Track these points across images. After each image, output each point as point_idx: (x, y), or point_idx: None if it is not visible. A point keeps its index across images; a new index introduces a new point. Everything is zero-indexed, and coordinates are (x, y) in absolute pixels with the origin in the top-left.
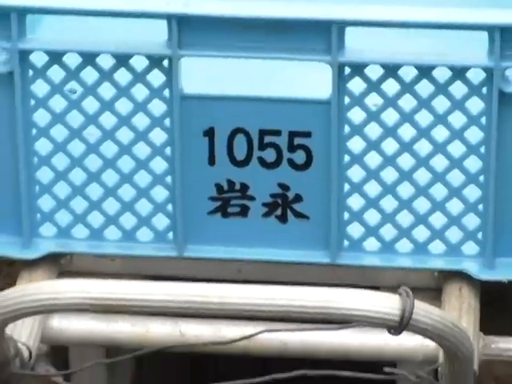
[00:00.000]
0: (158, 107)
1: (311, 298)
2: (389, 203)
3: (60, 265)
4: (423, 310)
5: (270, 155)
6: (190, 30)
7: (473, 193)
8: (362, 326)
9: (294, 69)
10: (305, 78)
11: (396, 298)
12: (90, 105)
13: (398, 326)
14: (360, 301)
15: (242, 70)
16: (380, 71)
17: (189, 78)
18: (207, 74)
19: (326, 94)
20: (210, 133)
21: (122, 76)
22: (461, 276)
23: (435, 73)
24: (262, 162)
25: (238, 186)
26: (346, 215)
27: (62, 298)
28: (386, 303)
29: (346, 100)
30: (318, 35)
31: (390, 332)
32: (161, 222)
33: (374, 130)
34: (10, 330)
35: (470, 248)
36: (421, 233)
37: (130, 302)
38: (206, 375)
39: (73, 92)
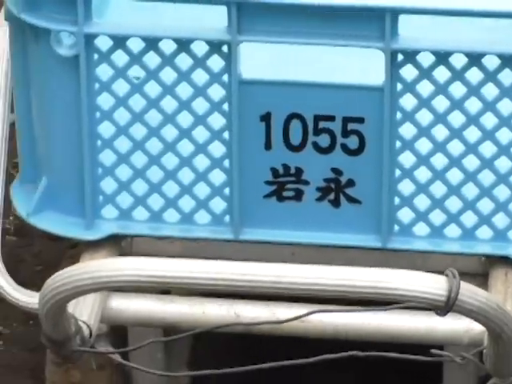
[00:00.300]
0: (217, 92)
1: (360, 277)
2: (438, 189)
3: (121, 247)
4: (469, 291)
5: (324, 140)
6: (248, 16)
7: None
8: (410, 306)
9: (344, 55)
10: (355, 65)
11: (443, 279)
12: (152, 89)
13: (445, 307)
14: (408, 281)
15: (296, 55)
16: (431, 58)
17: (246, 62)
18: (264, 59)
19: (379, 80)
20: (266, 118)
21: (183, 61)
22: (507, 261)
23: (485, 60)
24: (317, 146)
25: (293, 171)
26: (397, 200)
27: (122, 274)
28: (433, 284)
29: (399, 87)
30: (371, 22)
31: (436, 313)
32: (218, 205)
33: (424, 117)
34: (71, 308)
35: None
36: (469, 218)
37: (187, 280)
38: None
39: (137, 79)
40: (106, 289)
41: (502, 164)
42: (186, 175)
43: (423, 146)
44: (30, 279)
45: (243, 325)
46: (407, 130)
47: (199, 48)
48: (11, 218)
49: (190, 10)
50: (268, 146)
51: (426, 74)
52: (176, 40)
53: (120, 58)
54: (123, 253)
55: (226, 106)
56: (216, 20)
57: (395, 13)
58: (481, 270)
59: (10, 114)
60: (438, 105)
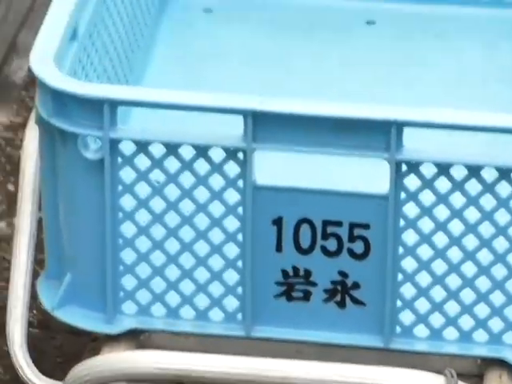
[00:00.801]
0: (232, 196)
1: (363, 375)
2: (438, 293)
3: (139, 340)
4: None
5: (331, 244)
6: (263, 126)
7: None
8: None
9: (350, 161)
10: (363, 172)
11: (441, 378)
12: (171, 192)
13: None
14: (408, 380)
15: (308, 162)
16: (433, 169)
17: (260, 168)
18: (277, 166)
19: (383, 188)
20: (278, 222)
21: (201, 166)
22: (501, 364)
23: (483, 172)
24: (325, 250)
25: (302, 273)
26: (399, 303)
27: (140, 367)
28: (432, 382)
29: (402, 195)
30: (378, 134)
31: None
32: (231, 303)
33: (426, 224)
34: None
35: (511, 337)
36: (466, 322)
37: (201, 374)
38: None
39: (157, 182)
40: (124, 380)
41: (498, 271)
42: (202, 274)
43: (424, 252)
44: (51, 371)
45: None
46: (409, 237)
47: (216, 154)
48: (34, 311)
49: (207, 117)
50: (279, 248)
51: (428, 183)
52: (195, 146)
53: (142, 161)
54: (141, 346)
55: (240, 210)
56: (232, 126)
57: (400, 126)
58: (476, 371)
59: (37, 211)
60: (438, 213)
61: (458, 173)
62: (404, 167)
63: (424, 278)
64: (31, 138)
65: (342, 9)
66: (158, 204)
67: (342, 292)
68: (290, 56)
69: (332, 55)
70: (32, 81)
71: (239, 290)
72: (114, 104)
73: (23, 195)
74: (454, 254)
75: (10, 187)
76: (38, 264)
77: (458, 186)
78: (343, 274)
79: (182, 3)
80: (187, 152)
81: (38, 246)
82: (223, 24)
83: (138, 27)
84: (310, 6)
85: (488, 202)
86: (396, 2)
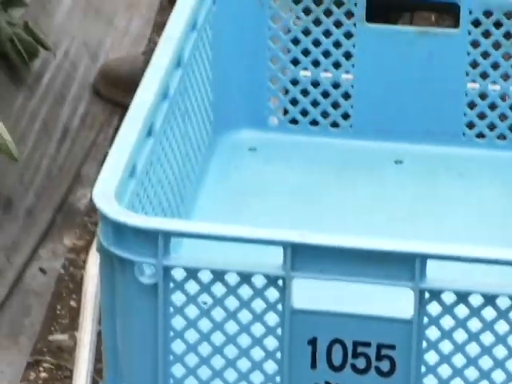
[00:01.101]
0: (272, 318)
1: None
2: None
3: None
4: None
5: (361, 363)
6: (301, 257)
7: None
8: None
9: (381, 288)
10: (390, 296)
11: None
12: (217, 313)
13: None
14: None
15: (341, 287)
16: (453, 297)
17: (298, 290)
18: (313, 289)
19: (408, 313)
20: (313, 342)
21: (244, 291)
22: None
23: (498, 300)
24: (355, 368)
25: None
26: None
27: None
28: None
29: (425, 320)
30: (403, 266)
31: None
32: None
33: (446, 346)
34: None
35: None
36: None
37: None
38: None
39: (204, 303)
40: None
41: None
42: None
43: (444, 370)
44: None
45: None
46: (431, 357)
47: (258, 280)
48: None
49: (249, 247)
50: (313, 365)
51: (448, 310)
52: (239, 273)
53: (192, 286)
54: None
55: (279, 331)
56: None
57: (424, 258)
58: None
59: (98, 325)
60: (457, 336)
61: (476, 300)
62: (427, 295)
63: None
64: (93, 262)
65: (372, 149)
66: (205, 324)
67: None
68: (324, 192)
69: (363, 191)
70: (93, 208)
71: None
72: (167, 235)
73: (85, 311)
74: (471, 373)
75: (73, 303)
76: (97, 373)
77: (476, 312)
78: None
79: (230, 143)
80: (232, 278)
81: (98, 356)
82: (266, 162)
83: (189, 164)
84: (344, 146)
85: (502, 326)
86: (422, 144)
